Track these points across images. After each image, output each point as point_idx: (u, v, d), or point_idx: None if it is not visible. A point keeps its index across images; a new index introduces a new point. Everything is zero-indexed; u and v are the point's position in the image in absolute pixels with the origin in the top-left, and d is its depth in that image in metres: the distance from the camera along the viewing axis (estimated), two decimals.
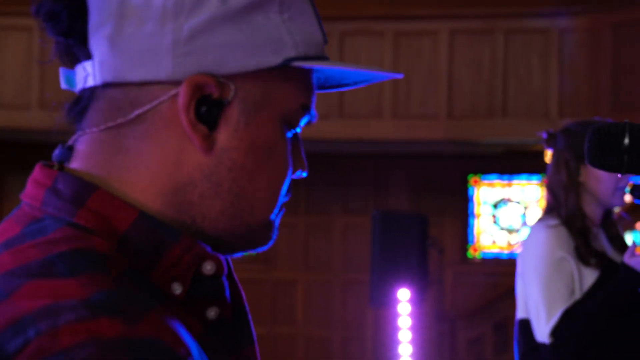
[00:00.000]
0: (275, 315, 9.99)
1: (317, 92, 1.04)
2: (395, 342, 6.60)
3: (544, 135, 3.21)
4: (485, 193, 10.27)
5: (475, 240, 10.25)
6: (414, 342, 6.71)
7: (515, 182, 10.22)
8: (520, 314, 3.18)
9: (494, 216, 10.26)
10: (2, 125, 8.67)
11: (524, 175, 10.17)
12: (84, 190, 0.91)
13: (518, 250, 3.20)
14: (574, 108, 8.11)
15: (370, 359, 9.75)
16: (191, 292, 0.91)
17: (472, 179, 10.23)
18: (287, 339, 9.96)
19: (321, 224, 10.05)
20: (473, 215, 10.26)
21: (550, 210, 3.17)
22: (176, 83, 0.91)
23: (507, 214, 10.26)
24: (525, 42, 8.38)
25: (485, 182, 10.25)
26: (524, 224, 10.21)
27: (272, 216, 0.98)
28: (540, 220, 3.16)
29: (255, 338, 1.01)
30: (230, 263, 1.00)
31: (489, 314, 9.27)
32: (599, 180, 3.09)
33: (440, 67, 8.38)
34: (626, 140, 1.04)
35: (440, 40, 8.36)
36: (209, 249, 0.93)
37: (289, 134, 0.98)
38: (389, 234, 6.53)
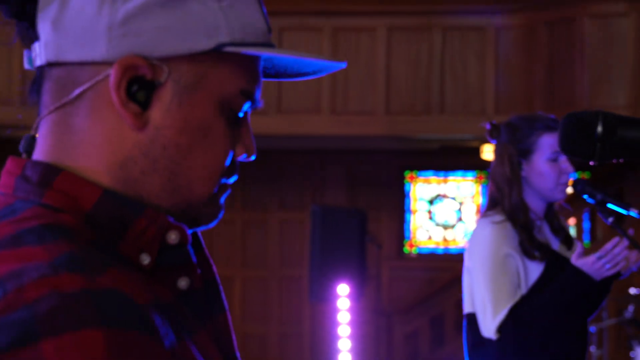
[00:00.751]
0: None
1: (277, 80, 1.11)
2: (334, 337, 6.62)
3: (487, 127, 3.24)
4: (421, 189, 10.35)
5: (412, 235, 10.32)
6: (352, 337, 6.73)
7: (450, 178, 10.32)
8: (467, 308, 3.21)
9: (429, 212, 10.35)
10: None
11: (460, 172, 10.27)
12: (50, 173, 0.96)
13: (464, 245, 3.23)
14: (509, 105, 8.21)
15: (308, 354, 9.76)
16: (159, 262, 0.96)
17: (408, 175, 10.30)
18: None
19: (258, 219, 10.02)
20: (409, 211, 10.33)
21: (494, 204, 3.20)
22: (111, 64, 0.96)
23: (442, 210, 10.36)
24: (462, 39, 8.45)
25: (421, 178, 10.33)
26: (459, 219, 10.31)
27: (212, 194, 1.02)
28: (485, 216, 3.19)
29: (227, 307, 1.06)
30: (200, 238, 1.06)
31: (425, 308, 9.35)
32: (541, 175, 3.13)
33: (378, 64, 8.41)
34: (599, 129, 1.06)
35: (378, 36, 8.40)
36: (172, 219, 0.98)
37: (231, 117, 1.02)
38: (328, 229, 6.53)
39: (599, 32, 7.90)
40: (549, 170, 3.12)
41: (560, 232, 3.27)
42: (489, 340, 3.07)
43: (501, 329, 3.02)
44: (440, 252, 10.31)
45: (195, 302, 0.99)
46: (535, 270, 3.09)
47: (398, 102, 8.37)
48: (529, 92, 8.28)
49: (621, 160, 1.06)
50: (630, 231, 3.14)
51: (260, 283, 9.96)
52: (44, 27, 0.98)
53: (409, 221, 10.33)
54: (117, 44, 0.96)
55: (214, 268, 1.07)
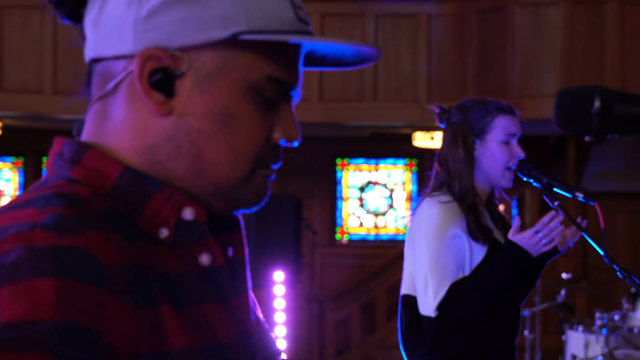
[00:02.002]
0: None
1: (316, 69, 1.17)
2: (270, 324, 6.60)
3: (437, 110, 3.23)
4: (353, 176, 10.38)
5: (343, 223, 10.35)
6: (287, 323, 6.72)
7: (381, 165, 10.37)
8: (405, 289, 3.21)
9: (361, 199, 10.39)
10: None
11: (390, 159, 10.33)
12: (80, 150, 1.05)
13: (407, 224, 3.23)
14: (441, 92, 8.27)
15: None
16: (179, 237, 1.02)
17: (339, 162, 10.32)
18: None
19: None
20: (340, 198, 10.36)
21: (440, 185, 3.20)
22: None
23: (373, 197, 10.41)
24: (395, 26, 8.48)
25: (353, 165, 10.36)
26: (390, 206, 10.37)
27: (243, 177, 1.06)
28: (431, 195, 3.19)
29: (250, 285, 1.11)
30: (241, 220, 1.12)
31: (357, 295, 9.39)
32: (492, 157, 3.14)
33: None
34: (597, 104, 1.06)
35: (311, 23, 8.34)
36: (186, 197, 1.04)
37: (263, 103, 1.05)
38: (263, 215, 6.51)
39: (529, 20, 8.00)
40: (501, 153, 3.14)
41: (499, 220, 3.30)
42: (426, 319, 3.07)
43: (441, 307, 3.03)
44: (371, 239, 10.37)
45: (217, 279, 1.03)
46: (479, 253, 3.11)
47: (332, 89, 8.37)
48: (460, 79, 8.35)
49: (616, 136, 1.06)
50: (557, 206, 3.18)
51: None
52: (88, 27, 1.08)
53: (341, 208, 10.36)
54: (141, 37, 1.03)
55: (247, 250, 1.12)
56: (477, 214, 3.13)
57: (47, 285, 0.86)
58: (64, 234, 0.91)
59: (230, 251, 1.09)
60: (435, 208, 3.11)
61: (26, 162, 10.66)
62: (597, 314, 6.00)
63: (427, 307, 3.07)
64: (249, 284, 1.11)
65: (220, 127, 1.04)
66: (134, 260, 0.95)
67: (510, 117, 3.16)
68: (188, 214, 1.03)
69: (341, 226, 10.33)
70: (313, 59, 1.15)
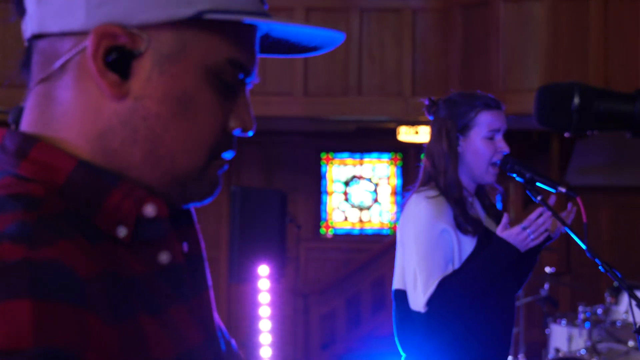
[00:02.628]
0: None
1: (282, 56, 1.10)
2: (255, 318, 6.60)
3: (426, 102, 3.25)
4: (337, 170, 10.38)
5: (328, 217, 10.36)
6: (272, 318, 6.73)
7: (366, 159, 10.38)
8: (396, 284, 3.23)
9: (345, 193, 10.40)
10: None
11: (375, 154, 10.34)
12: (26, 143, 0.95)
13: (395, 220, 3.24)
14: (426, 87, 8.28)
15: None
16: (138, 236, 0.95)
17: (324, 156, 10.33)
18: None
19: None
20: (325, 193, 10.36)
21: (428, 179, 3.22)
22: (89, 34, 0.95)
23: (358, 191, 10.42)
24: (380, 21, 8.49)
25: (338, 159, 10.37)
26: (375, 201, 10.38)
27: (200, 167, 0.99)
28: (418, 191, 3.20)
29: (210, 284, 1.04)
30: (193, 214, 1.04)
31: (341, 289, 9.40)
32: (476, 152, 3.16)
33: None
34: (576, 100, 1.06)
35: (296, 17, 8.36)
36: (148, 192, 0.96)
37: (222, 88, 0.99)
38: (248, 210, 6.50)
39: (513, 15, 8.02)
40: (484, 148, 3.15)
41: (491, 209, 3.32)
42: (417, 314, 3.09)
43: (430, 302, 3.05)
44: (356, 233, 10.37)
45: (177, 278, 0.97)
46: (468, 245, 3.13)
47: (316, 83, 8.37)
48: (445, 73, 8.37)
49: (595, 132, 1.07)
50: (552, 200, 3.20)
51: None
52: (30, 0, 0.98)
53: (325, 203, 10.37)
54: (95, 12, 0.94)
55: (203, 244, 1.05)
56: (464, 207, 3.15)
57: (24, 307, 0.78)
58: (35, 245, 0.83)
59: (185, 247, 1.02)
60: (422, 204, 3.13)
61: None
62: (580, 308, 6.03)
63: (417, 302, 3.08)
64: (209, 282, 1.04)
65: (179, 112, 0.96)
66: (103, 267, 0.88)
67: (496, 112, 3.17)
68: (150, 210, 0.95)
69: (326, 220, 10.34)
70: (273, 45, 1.09)
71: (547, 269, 6.53)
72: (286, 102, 8.34)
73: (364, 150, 10.31)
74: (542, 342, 6.67)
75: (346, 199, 10.39)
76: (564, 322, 6.20)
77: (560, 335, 6.20)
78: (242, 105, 1.03)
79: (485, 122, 3.15)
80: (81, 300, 0.81)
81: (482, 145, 3.15)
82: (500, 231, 3.06)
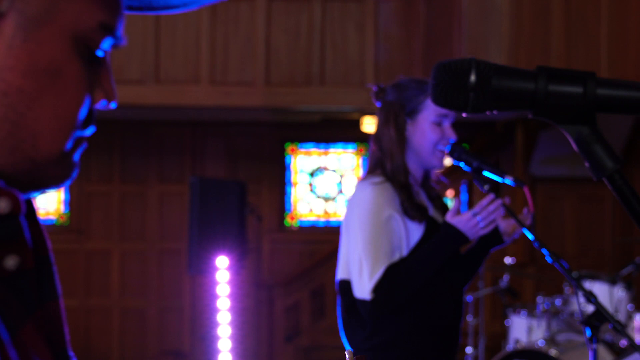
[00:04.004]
0: (90, 287, 9.74)
1: (143, 13, 0.99)
2: (213, 310, 6.54)
3: (374, 88, 3.21)
4: (302, 161, 10.33)
5: (293, 208, 10.30)
6: (232, 309, 6.66)
7: (331, 150, 10.33)
8: (340, 274, 3.18)
9: (310, 184, 10.34)
10: None
11: (340, 144, 10.29)
12: None
13: (342, 210, 3.20)
14: (389, 76, 8.22)
15: (188, 328, 9.66)
16: None
17: (289, 147, 10.27)
18: (102, 311, 9.73)
19: (136, 192, 9.84)
20: (290, 184, 10.31)
21: (375, 165, 3.19)
22: None
23: (323, 183, 10.36)
24: (342, 10, 8.43)
25: (302, 150, 10.31)
26: (340, 192, 10.34)
27: (64, 150, 0.87)
28: (365, 178, 3.17)
29: (60, 292, 0.90)
30: (34, 204, 0.91)
31: (306, 281, 9.36)
32: (423, 137, 3.13)
33: (258, 34, 8.32)
34: (472, 77, 1.01)
35: (258, 6, 8.30)
36: (2, 183, 0.83)
37: (87, 57, 0.88)
38: (207, 201, 6.44)
39: (475, 4, 7.99)
40: (432, 133, 3.12)
41: (436, 200, 3.28)
42: (362, 302, 3.05)
43: (376, 289, 3.00)
44: (321, 224, 10.33)
45: (25, 286, 0.83)
46: (415, 231, 3.10)
47: (278, 73, 8.30)
48: (408, 63, 8.33)
49: (495, 112, 1.01)
50: (507, 200, 3.17)
51: (140, 257, 9.80)
52: None
53: (290, 194, 10.31)
54: None
55: (49, 244, 0.92)
56: (410, 193, 3.11)
57: None
58: None
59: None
60: (367, 190, 3.09)
61: None
62: (539, 299, 6.02)
63: (363, 290, 3.04)
64: (59, 290, 0.91)
65: (45, 86, 0.84)
66: None
67: None
68: (3, 207, 0.82)
69: (291, 212, 10.28)
70: (134, 3, 0.98)
71: (507, 260, 6.51)
72: (248, 93, 8.27)
73: (329, 141, 10.26)
74: (503, 333, 6.65)
75: (311, 190, 10.34)
76: (524, 313, 6.18)
77: (520, 327, 6.18)
78: (105, 74, 0.91)
79: (433, 107, 3.11)
80: None
81: (430, 130, 3.12)
82: (451, 216, 3.02)
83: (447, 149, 3.15)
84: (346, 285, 3.14)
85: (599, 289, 5.95)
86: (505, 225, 3.21)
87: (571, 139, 1.01)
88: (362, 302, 3.05)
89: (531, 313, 6.13)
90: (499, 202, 3.01)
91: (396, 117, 3.13)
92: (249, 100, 8.29)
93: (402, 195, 3.09)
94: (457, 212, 3.03)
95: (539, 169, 9.47)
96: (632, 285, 6.02)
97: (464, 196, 9.28)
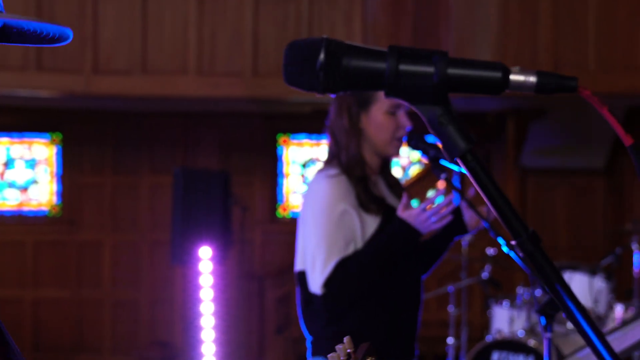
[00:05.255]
0: (81, 279, 9.75)
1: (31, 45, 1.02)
2: (197, 301, 6.55)
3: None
4: (294, 152, 10.32)
5: (285, 199, 10.30)
6: (217, 300, 6.67)
7: (323, 141, 10.32)
8: (298, 265, 3.19)
9: (303, 176, 10.34)
10: None
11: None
12: None
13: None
14: None
15: (179, 318, 9.68)
16: None
17: (281, 138, 10.26)
18: (94, 302, 9.75)
19: (128, 183, 9.84)
20: (282, 175, 10.30)
21: (332, 158, 3.18)
22: None
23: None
24: (330, 3, 8.41)
25: (294, 141, 10.30)
26: (304, 182, 10.33)
27: None
28: (320, 170, 3.17)
29: None
30: None
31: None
32: (378, 127, 3.12)
33: (245, 25, 8.30)
34: (321, 56, 1.01)
35: (245, 0, 8.28)
36: None
37: None
38: (190, 191, 6.44)
39: None
40: (386, 123, 3.12)
41: (395, 187, 3.28)
42: (315, 297, 3.06)
43: (327, 284, 3.00)
44: None
45: None
46: (372, 224, 3.10)
47: (266, 64, 8.29)
48: None
49: (348, 93, 1.01)
50: (471, 191, 3.17)
51: (131, 248, 9.81)
52: None
53: (282, 185, 10.31)
54: None
55: None
56: (367, 185, 3.11)
57: None
58: None
59: None
60: (322, 183, 3.09)
61: None
62: (519, 290, 6.02)
63: (315, 284, 3.05)
64: None
65: None
66: None
67: None
68: None
69: (282, 203, 10.28)
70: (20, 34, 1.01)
71: (489, 251, 6.51)
72: (235, 84, 8.26)
73: (321, 132, 10.22)
74: (485, 324, 6.65)
75: (303, 182, 10.34)
76: (506, 304, 6.18)
77: (502, 317, 6.18)
78: None
79: (385, 97, 3.11)
80: None
81: (384, 120, 3.12)
82: (401, 211, 3.01)
83: (404, 139, 3.15)
84: (303, 276, 3.15)
85: (579, 280, 5.95)
86: (470, 216, 3.21)
87: (425, 119, 1.01)
88: (316, 297, 3.06)
89: (513, 304, 6.13)
90: (450, 197, 3.01)
91: (349, 109, 3.13)
92: (236, 91, 8.28)
93: (357, 188, 3.09)
94: (408, 206, 3.02)
95: (531, 160, 9.46)
96: (612, 276, 6.02)
97: (456, 182, 9.27)
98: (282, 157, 10.29)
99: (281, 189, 10.29)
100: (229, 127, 9.90)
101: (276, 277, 9.37)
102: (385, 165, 3.25)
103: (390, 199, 3.21)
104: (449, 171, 3.12)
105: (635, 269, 6.32)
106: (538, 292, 6.03)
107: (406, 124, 3.12)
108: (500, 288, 6.46)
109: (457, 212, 3.18)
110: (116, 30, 8.10)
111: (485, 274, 6.34)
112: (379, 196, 3.15)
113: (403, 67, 0.99)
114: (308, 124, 10.07)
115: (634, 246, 6.24)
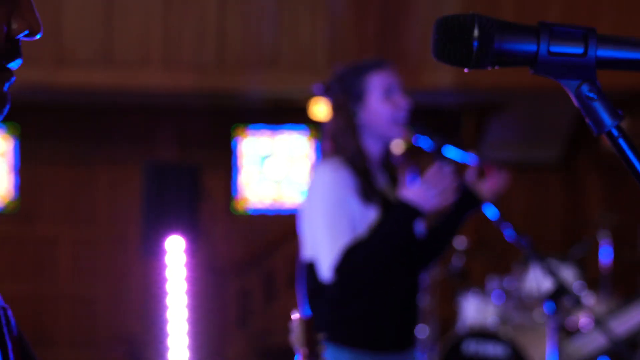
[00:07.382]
0: (38, 274, 9.63)
1: None
2: (163, 294, 6.51)
3: (321, 87, 3.25)
4: (252, 145, 10.30)
5: (242, 193, 10.28)
6: (182, 293, 6.64)
7: (281, 134, 10.31)
8: (305, 255, 3.21)
9: (260, 169, 10.32)
10: None
11: (290, 128, 10.27)
12: None
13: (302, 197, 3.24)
14: (341, 59, 8.22)
15: (138, 313, 9.61)
16: None
17: (238, 131, 10.23)
18: (51, 298, 9.64)
19: (86, 177, 9.74)
20: (239, 168, 10.28)
21: (331, 155, 3.22)
22: None
23: (273, 167, 10.35)
24: None
25: (252, 134, 10.28)
26: (289, 176, 10.34)
27: None
28: (323, 162, 3.20)
29: None
30: None
31: (257, 265, 9.38)
32: (377, 115, 3.15)
33: (210, 17, 8.26)
34: (475, 32, 1.02)
35: None
36: None
37: None
38: (159, 184, 6.42)
39: None
40: (384, 108, 3.15)
41: (397, 181, 3.31)
42: (324, 286, 3.09)
43: (337, 270, 3.03)
44: (270, 209, 10.32)
45: None
46: (372, 215, 3.12)
47: (230, 57, 8.26)
48: (360, 47, 8.34)
49: (497, 67, 1.03)
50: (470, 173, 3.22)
51: (90, 242, 9.71)
52: None
53: (239, 178, 10.28)
54: None
55: None
56: (368, 179, 3.14)
57: None
58: None
59: None
60: (325, 173, 3.12)
61: None
62: (489, 280, 6.10)
63: (325, 272, 3.06)
64: None
65: None
66: None
67: (384, 71, 3.17)
68: None
69: (240, 196, 10.26)
70: None
71: (456, 242, 6.58)
72: (200, 77, 8.22)
73: (280, 124, 10.24)
74: (454, 315, 6.72)
75: (260, 175, 10.32)
76: (475, 294, 6.25)
77: (471, 308, 6.25)
78: (25, 3, 0.90)
79: (377, 84, 3.14)
80: None
81: (381, 106, 3.15)
82: (403, 191, 3.05)
83: (404, 122, 3.18)
84: (311, 267, 3.17)
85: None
86: (488, 187, 3.25)
87: (571, 94, 1.04)
88: (323, 285, 3.09)
89: (482, 294, 6.21)
90: (447, 170, 3.02)
91: (343, 109, 3.17)
92: (200, 84, 8.24)
93: (359, 180, 3.11)
94: (408, 185, 3.06)
95: (488, 154, 9.57)
96: (580, 265, 6.13)
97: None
98: (239, 149, 10.24)
99: (238, 183, 10.26)
100: (187, 119, 9.85)
101: (236, 270, 9.38)
102: (387, 157, 3.28)
103: (392, 193, 3.23)
104: (453, 163, 3.15)
105: (601, 260, 6.44)
106: (507, 282, 6.12)
107: (403, 103, 3.16)
108: (467, 278, 6.53)
109: (465, 189, 3.21)
110: (80, 21, 8.00)
111: (453, 266, 6.40)
112: (379, 190, 3.19)
113: (554, 47, 1.01)
114: (266, 117, 10.06)
115: (600, 238, 6.36)
